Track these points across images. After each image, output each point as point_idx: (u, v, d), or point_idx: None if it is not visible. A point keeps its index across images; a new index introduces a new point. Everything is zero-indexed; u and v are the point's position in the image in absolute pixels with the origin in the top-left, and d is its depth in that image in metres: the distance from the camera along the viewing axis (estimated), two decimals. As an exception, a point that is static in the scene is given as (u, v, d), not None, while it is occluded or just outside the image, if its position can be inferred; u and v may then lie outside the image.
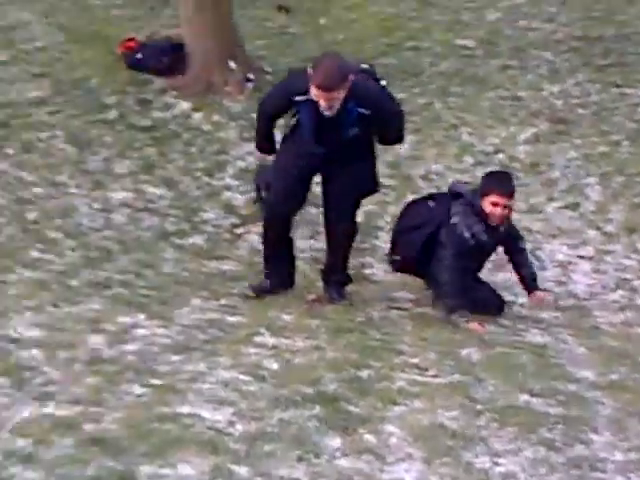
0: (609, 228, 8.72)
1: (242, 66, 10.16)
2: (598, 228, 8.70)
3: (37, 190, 7.77)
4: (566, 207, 9.05)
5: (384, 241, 8.06)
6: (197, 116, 9.57)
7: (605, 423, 4.43)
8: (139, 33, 10.71)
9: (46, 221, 7.24)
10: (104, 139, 8.81)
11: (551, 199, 9.16)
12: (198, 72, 10.02)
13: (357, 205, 6.55)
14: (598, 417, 4.51)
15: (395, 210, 8.57)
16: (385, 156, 9.46)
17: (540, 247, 8.33)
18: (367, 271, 7.61)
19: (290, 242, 6.55)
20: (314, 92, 5.78)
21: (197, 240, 7.56)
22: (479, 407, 4.45)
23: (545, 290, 7.07)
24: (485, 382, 4.87)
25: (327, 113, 5.87)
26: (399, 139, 6.60)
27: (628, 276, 8.01)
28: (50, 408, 3.86)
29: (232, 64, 10.11)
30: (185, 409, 4.00)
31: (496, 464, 3.79)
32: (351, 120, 5.96)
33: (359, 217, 8.35)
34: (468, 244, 6.43)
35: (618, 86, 11.58)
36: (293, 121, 6.19)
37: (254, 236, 7.74)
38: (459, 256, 6.38)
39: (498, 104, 10.86)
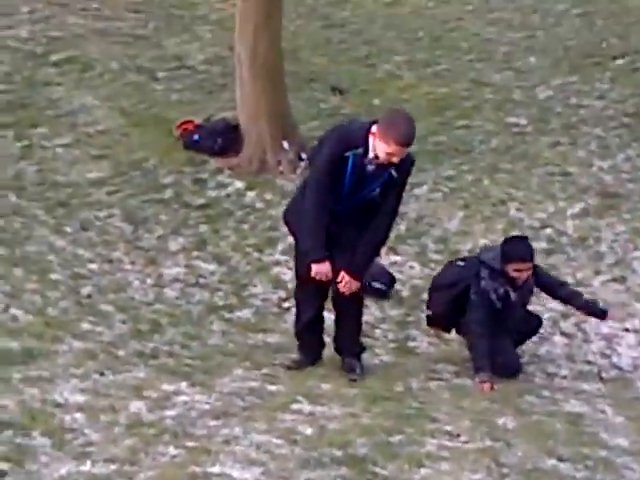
0: (655, 301, 8.77)
1: (295, 146, 10.45)
2: (645, 301, 8.76)
3: (92, 266, 8.08)
4: (613, 280, 9.12)
5: (428, 314, 8.23)
6: (250, 194, 9.87)
7: (630, 487, 4.52)
8: (197, 116, 11.08)
9: (99, 295, 7.52)
10: (159, 217, 9.14)
11: (598, 273, 9.25)
12: (252, 152, 10.36)
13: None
14: (624, 481, 4.59)
15: (442, 284, 8.75)
16: (433, 231, 9.69)
17: (586, 320, 8.39)
18: (411, 344, 7.75)
19: (321, 318, 6.61)
20: (391, 149, 5.81)
21: (245, 314, 7.78)
22: (505, 470, 4.56)
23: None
24: (515, 448, 4.98)
25: (369, 166, 5.94)
26: (387, 230, 6.36)
27: (674, 348, 8.04)
28: (87, 466, 4.07)
29: (285, 144, 10.43)
30: (216, 469, 4.19)
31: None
32: (382, 180, 6.03)
33: (406, 291, 8.63)
34: (496, 306, 6.83)
35: (668, 161, 11.69)
36: None
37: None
38: (486, 319, 6.80)
39: (547, 180, 11.03)
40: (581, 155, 11.73)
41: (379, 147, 5.89)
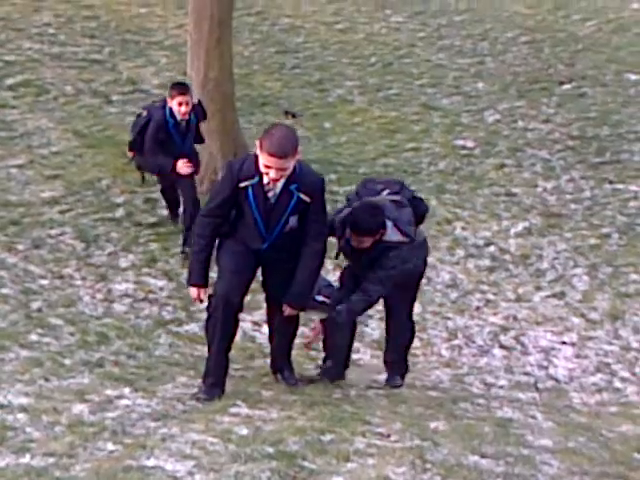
0: (593, 315, 9.11)
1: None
2: (582, 315, 9.08)
3: (43, 282, 8.25)
4: (553, 296, 9.44)
5: (372, 328, 8.47)
6: (201, 214, 10.06)
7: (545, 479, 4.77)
8: (151, 138, 11.28)
9: (49, 310, 7.70)
10: (110, 235, 9.33)
11: (538, 289, 9.56)
12: (203, 173, 10.53)
13: None
14: (541, 475, 4.85)
15: (386, 299, 9.00)
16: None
17: (524, 333, 8.70)
18: (355, 356, 7.96)
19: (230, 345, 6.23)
20: (265, 161, 5.65)
21: (192, 327, 7.98)
22: (428, 466, 4.79)
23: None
24: (442, 447, 5.21)
25: (270, 193, 5.80)
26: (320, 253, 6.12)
27: (609, 360, 8.37)
28: (26, 459, 4.27)
29: (236, 165, 10.64)
30: (150, 462, 4.40)
31: (430, 509, 4.13)
32: (292, 205, 5.89)
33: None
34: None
35: (611, 182, 12.10)
36: (232, 215, 6.04)
37: (248, 324, 8.16)
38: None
39: (492, 200, 11.36)
40: (526, 176, 12.10)
41: (260, 162, 5.73)
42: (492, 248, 10.24)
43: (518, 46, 16.27)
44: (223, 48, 10.78)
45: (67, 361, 6.46)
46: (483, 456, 5.06)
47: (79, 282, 8.41)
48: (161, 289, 8.57)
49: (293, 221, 5.98)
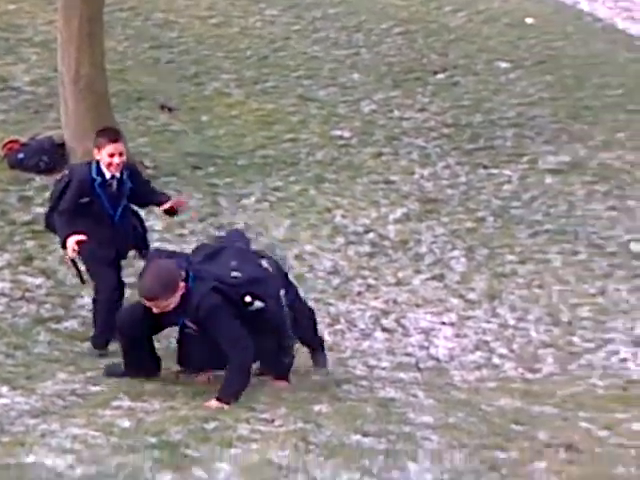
0: (471, 296, 9.30)
1: (122, 162, 10.54)
2: (461, 296, 9.27)
3: None
4: (432, 279, 9.60)
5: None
6: (78, 210, 9.91)
7: (426, 455, 4.87)
8: (23, 135, 11.05)
9: None
10: (-16, 236, 9.12)
11: (418, 272, 9.71)
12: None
13: None
14: (421, 450, 4.95)
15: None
16: (261, 239, 9.96)
17: (405, 316, 8.83)
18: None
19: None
20: (144, 301, 5.89)
21: (72, 324, 7.87)
22: (311, 447, 4.85)
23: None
24: (325, 428, 5.28)
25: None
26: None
27: (487, 338, 8.56)
28: None
29: (112, 161, 10.50)
30: (30, 459, 4.33)
31: (312, 488, 4.18)
32: (181, 325, 6.11)
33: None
34: None
35: (485, 167, 12.35)
36: None
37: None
38: None
39: (371, 188, 11.48)
40: (403, 164, 12.25)
41: None
42: (372, 235, 10.35)
43: (392, 37, 16.44)
44: (94, 44, 10.61)
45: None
46: (365, 435, 5.15)
47: (-50, 286, 8.21)
48: (38, 287, 8.42)
49: (183, 324, 6.09)
